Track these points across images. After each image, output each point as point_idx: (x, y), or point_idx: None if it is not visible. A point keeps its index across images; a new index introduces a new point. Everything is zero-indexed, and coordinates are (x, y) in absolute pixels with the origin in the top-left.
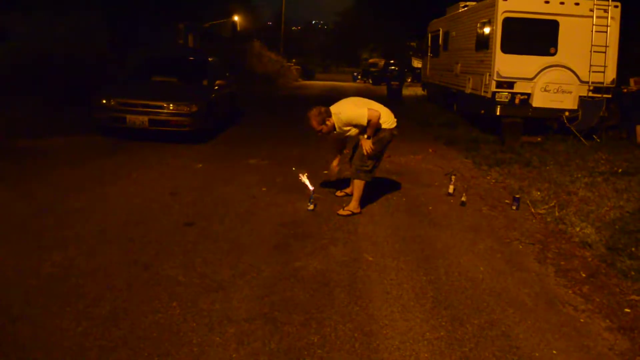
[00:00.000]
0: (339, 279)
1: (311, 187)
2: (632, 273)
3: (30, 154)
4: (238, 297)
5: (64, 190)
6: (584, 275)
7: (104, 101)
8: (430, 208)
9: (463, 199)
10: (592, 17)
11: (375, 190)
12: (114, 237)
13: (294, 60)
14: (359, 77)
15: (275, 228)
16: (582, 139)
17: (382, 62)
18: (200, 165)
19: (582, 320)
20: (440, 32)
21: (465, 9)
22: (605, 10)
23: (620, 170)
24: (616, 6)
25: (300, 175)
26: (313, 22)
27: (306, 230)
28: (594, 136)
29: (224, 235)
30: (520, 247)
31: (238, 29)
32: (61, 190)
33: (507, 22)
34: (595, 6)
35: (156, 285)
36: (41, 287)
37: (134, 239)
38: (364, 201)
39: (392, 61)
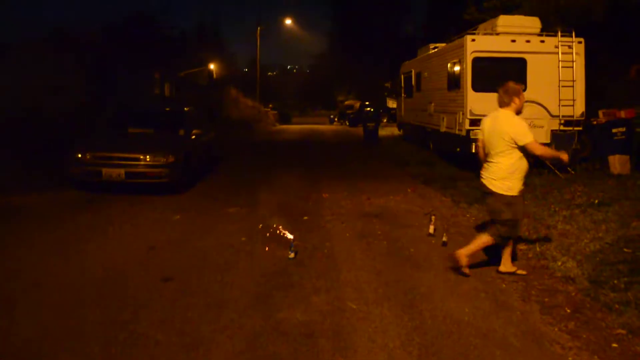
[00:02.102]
0: (323, 330)
1: (291, 236)
2: (617, 306)
3: (3, 212)
4: (219, 355)
5: (39, 249)
6: (568, 311)
7: (79, 155)
8: (411, 250)
9: (444, 239)
10: (558, 53)
11: (356, 234)
12: (90, 298)
13: (270, 105)
14: (336, 119)
15: (256, 279)
16: (557, 172)
17: (357, 104)
18: (178, 217)
19: (570, 358)
20: (413, 73)
21: (436, 50)
22: (570, 47)
23: (596, 201)
24: (580, 42)
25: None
26: (288, 66)
27: (288, 280)
28: (569, 168)
29: (203, 290)
30: (504, 285)
31: (214, 76)
32: (36, 249)
33: (477, 61)
34: (559, 43)
35: (134, 346)
36: (14, 357)
37: (111, 298)
38: (344, 245)
39: (367, 102)
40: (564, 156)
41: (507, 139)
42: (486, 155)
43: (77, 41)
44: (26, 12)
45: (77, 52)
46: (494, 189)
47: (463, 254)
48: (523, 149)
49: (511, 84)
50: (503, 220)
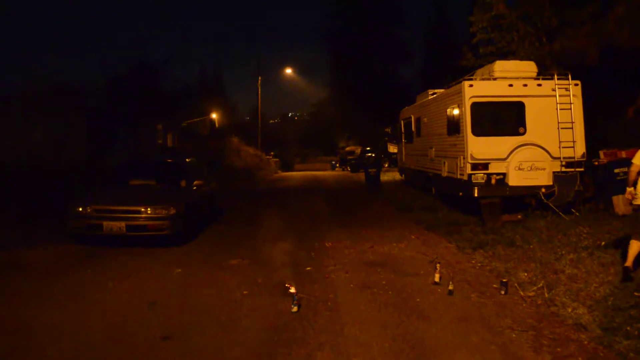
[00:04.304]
0: None
1: (293, 288)
2: (631, 354)
3: (3, 266)
4: None
5: (38, 306)
6: None
7: (80, 209)
8: (417, 300)
9: (450, 287)
10: (555, 96)
11: (360, 284)
12: (87, 358)
13: (272, 153)
14: (337, 165)
15: (259, 335)
16: (561, 214)
17: (358, 150)
18: (180, 270)
19: None
20: (412, 119)
21: (434, 96)
22: (567, 89)
23: (603, 243)
24: (576, 84)
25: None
26: (290, 114)
27: (291, 335)
28: (573, 210)
29: (204, 348)
30: (514, 335)
31: (216, 125)
32: (34, 306)
33: (475, 106)
34: (556, 86)
35: None
36: None
37: (109, 359)
38: (348, 297)
39: (368, 148)
40: None
41: None
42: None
43: (79, 93)
44: (28, 63)
45: (79, 104)
46: None
47: (630, 263)
48: None
49: None
50: None
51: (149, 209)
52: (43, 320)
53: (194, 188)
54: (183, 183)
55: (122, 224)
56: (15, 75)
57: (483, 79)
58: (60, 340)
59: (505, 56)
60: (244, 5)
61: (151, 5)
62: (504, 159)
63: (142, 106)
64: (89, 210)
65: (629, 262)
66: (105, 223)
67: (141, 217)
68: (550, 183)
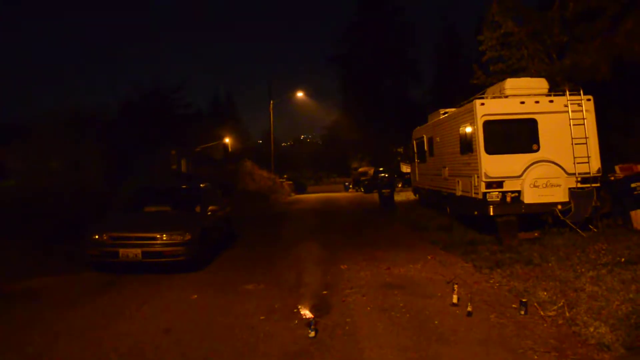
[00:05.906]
0: None
1: (310, 313)
2: None
3: (20, 297)
4: None
5: (54, 336)
6: None
7: (97, 236)
8: (436, 322)
9: (469, 308)
10: (568, 111)
11: (377, 307)
12: None
13: (285, 176)
14: (351, 186)
15: None
16: (578, 230)
17: (371, 170)
18: (196, 296)
19: None
20: (425, 139)
21: (446, 115)
22: (579, 104)
23: (623, 259)
24: (589, 99)
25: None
26: (302, 136)
27: None
28: (590, 226)
29: None
30: (536, 357)
31: (229, 150)
32: (51, 336)
33: (487, 124)
34: (569, 101)
35: None
36: None
37: None
38: (366, 320)
39: (381, 169)
40: None
41: None
42: None
43: (95, 122)
44: (43, 93)
45: (95, 133)
46: None
47: None
48: None
49: None
50: None
51: (164, 236)
52: (60, 350)
53: (209, 213)
54: (198, 208)
55: (138, 250)
56: (33, 104)
57: (494, 97)
58: None
59: (515, 73)
60: (255, 28)
61: (163, 32)
62: (519, 177)
63: (155, 133)
64: (105, 238)
65: None
66: (121, 250)
67: (157, 244)
68: (567, 199)
